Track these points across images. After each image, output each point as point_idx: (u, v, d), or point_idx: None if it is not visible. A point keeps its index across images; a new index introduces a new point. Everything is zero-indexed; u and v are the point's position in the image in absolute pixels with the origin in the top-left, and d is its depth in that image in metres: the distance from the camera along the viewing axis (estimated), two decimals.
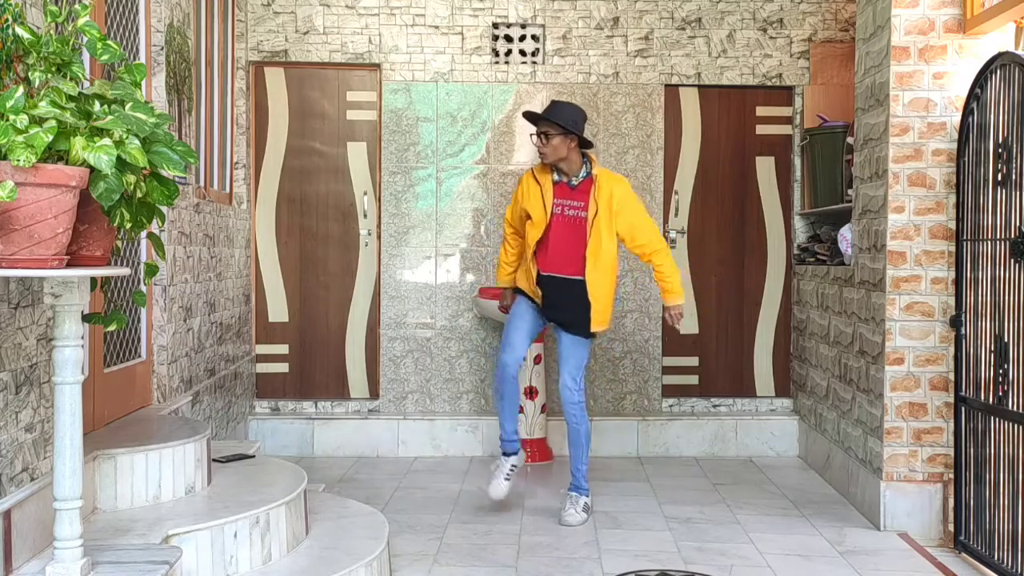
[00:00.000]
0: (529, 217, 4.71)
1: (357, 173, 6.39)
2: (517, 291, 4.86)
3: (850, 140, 5.57)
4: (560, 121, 4.57)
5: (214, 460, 4.03)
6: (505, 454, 4.83)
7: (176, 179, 3.46)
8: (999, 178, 4.12)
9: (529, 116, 4.75)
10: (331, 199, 6.39)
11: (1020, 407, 3.90)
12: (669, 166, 6.44)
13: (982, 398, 4.26)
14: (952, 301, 4.58)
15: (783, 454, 6.29)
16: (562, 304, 4.69)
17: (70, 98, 2.40)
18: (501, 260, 4.99)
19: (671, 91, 6.41)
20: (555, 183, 4.68)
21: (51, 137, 2.26)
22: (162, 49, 4.41)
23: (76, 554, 2.59)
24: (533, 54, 6.33)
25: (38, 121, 2.29)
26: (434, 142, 6.34)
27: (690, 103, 6.45)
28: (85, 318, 2.73)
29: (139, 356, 4.33)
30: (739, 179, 6.48)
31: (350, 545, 3.66)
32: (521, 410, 5.72)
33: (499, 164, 6.34)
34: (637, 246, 4.69)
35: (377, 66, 6.34)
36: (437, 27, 6.32)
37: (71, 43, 2.47)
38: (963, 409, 4.43)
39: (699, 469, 5.93)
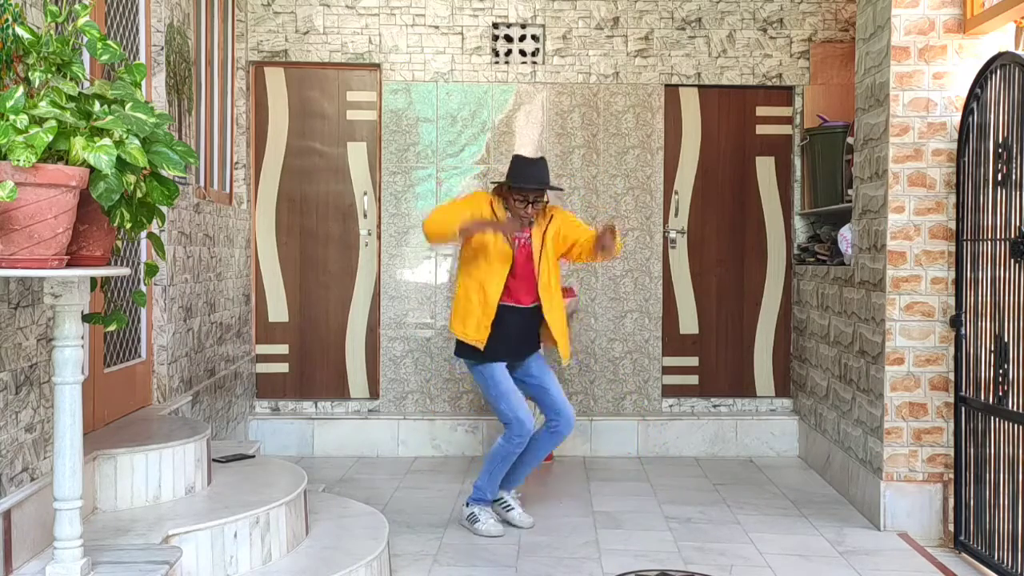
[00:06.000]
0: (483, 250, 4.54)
1: (357, 173, 6.39)
2: (477, 353, 4.58)
3: (850, 140, 5.57)
4: (553, 185, 4.61)
5: (214, 460, 4.03)
6: (488, 502, 4.69)
7: (176, 179, 3.46)
8: (999, 178, 4.12)
9: (527, 186, 4.51)
10: (331, 199, 6.39)
11: (1020, 407, 3.90)
12: (669, 166, 6.44)
13: (982, 398, 4.26)
14: (952, 301, 4.58)
15: (783, 454, 6.29)
16: (521, 334, 4.61)
17: (70, 98, 2.40)
18: (437, 212, 4.61)
19: (671, 91, 6.41)
20: (510, 219, 4.56)
21: (51, 137, 2.27)
22: (162, 49, 4.41)
23: (76, 554, 2.59)
24: (533, 54, 6.33)
25: (38, 121, 2.29)
26: (434, 142, 6.34)
27: (690, 103, 6.45)
28: (85, 318, 2.73)
29: (139, 356, 4.33)
30: (739, 179, 6.48)
31: (350, 545, 3.66)
32: None
33: (499, 164, 6.33)
34: (581, 241, 4.56)
35: (377, 66, 6.34)
36: (437, 27, 6.32)
37: (71, 43, 2.47)
38: (963, 409, 4.43)
39: (699, 469, 5.93)
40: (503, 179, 4.62)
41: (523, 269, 4.58)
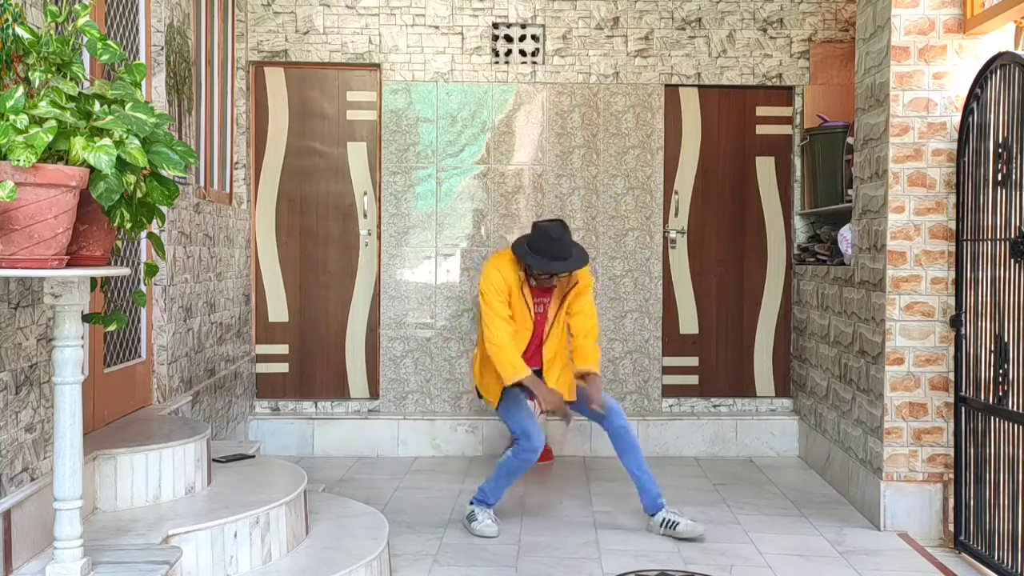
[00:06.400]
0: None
1: (357, 173, 6.39)
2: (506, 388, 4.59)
3: (850, 140, 5.57)
4: (583, 263, 4.49)
5: (214, 460, 4.03)
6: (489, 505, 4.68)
7: (176, 179, 3.46)
8: (999, 178, 4.12)
9: (554, 271, 4.45)
10: (331, 199, 6.39)
11: (1020, 407, 3.90)
12: (669, 166, 6.44)
13: (982, 398, 4.26)
14: (952, 301, 4.58)
15: (783, 454, 6.29)
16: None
17: (70, 98, 2.40)
18: (509, 346, 4.44)
19: (671, 91, 6.41)
20: (531, 286, 4.58)
21: (51, 137, 2.27)
22: (162, 49, 4.41)
23: (76, 554, 2.59)
24: (533, 54, 6.33)
25: (38, 121, 2.29)
26: (434, 142, 6.34)
27: (690, 103, 6.45)
28: (85, 318, 2.73)
29: (139, 356, 4.33)
30: (739, 179, 6.48)
31: (350, 545, 3.66)
32: None
33: (499, 164, 6.34)
34: (576, 322, 4.64)
35: (377, 66, 6.34)
36: (437, 27, 6.32)
37: (71, 43, 2.47)
38: (963, 409, 4.43)
39: (699, 469, 5.93)
40: (523, 233, 4.54)
41: (535, 334, 4.61)
